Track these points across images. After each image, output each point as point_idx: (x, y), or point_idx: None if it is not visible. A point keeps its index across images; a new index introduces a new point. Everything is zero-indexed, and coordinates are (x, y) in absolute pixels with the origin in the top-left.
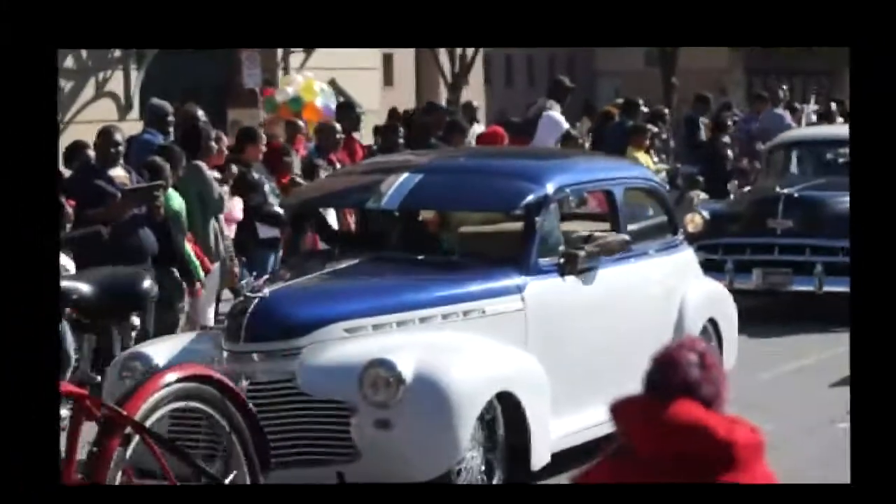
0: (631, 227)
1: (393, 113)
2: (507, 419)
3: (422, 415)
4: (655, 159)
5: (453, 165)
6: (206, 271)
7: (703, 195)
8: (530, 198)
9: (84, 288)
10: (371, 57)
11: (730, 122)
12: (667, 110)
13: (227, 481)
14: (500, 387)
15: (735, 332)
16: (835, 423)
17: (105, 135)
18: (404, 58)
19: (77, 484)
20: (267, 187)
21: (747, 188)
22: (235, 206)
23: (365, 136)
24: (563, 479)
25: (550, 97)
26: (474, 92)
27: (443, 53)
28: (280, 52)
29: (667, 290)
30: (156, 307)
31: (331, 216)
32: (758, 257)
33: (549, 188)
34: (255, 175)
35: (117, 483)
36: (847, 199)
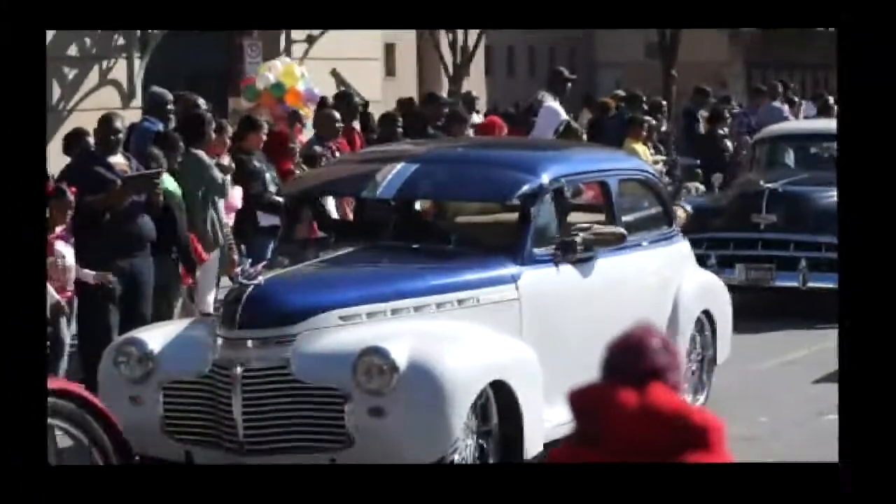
0: (626, 218)
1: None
2: (500, 408)
3: (415, 403)
4: (652, 151)
5: (450, 155)
6: (201, 260)
7: (701, 187)
8: (526, 188)
9: None
10: (373, 47)
11: (728, 115)
12: (664, 102)
13: None
14: (493, 375)
15: (729, 324)
16: (823, 416)
17: (105, 122)
18: (406, 48)
19: None
20: (267, 176)
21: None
22: (235, 195)
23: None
24: None
25: (550, 89)
26: (476, 83)
27: (444, 44)
28: (283, 41)
29: (662, 281)
30: (153, 293)
31: (329, 204)
32: (741, 252)
33: (545, 178)
34: (256, 163)
35: None
36: (832, 193)
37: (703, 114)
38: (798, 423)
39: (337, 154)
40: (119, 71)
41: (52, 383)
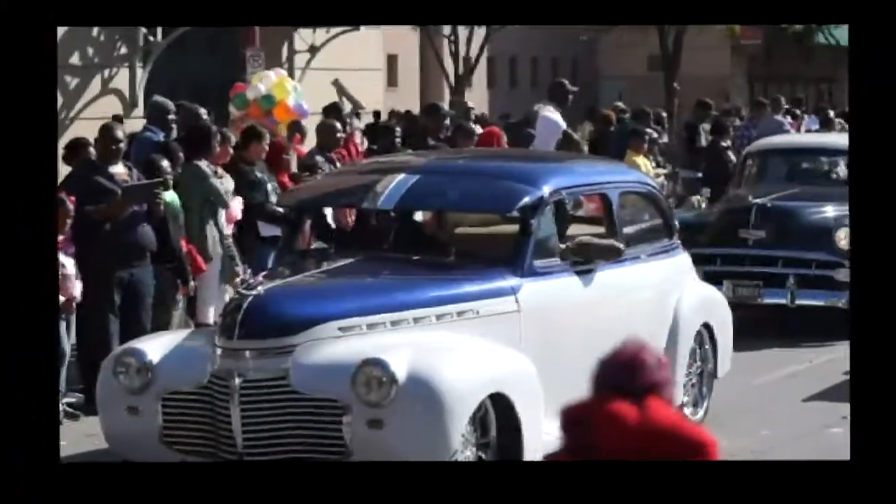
0: (627, 230)
1: (406, 114)
2: (499, 420)
3: (414, 415)
4: (653, 163)
5: (450, 167)
6: (199, 271)
7: (703, 200)
8: (526, 200)
9: None
10: (375, 58)
11: (730, 128)
12: (665, 114)
13: None
14: (492, 388)
15: (730, 337)
16: (827, 429)
17: (106, 131)
18: (408, 59)
19: None
20: (269, 186)
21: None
22: (236, 205)
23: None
24: None
25: (551, 100)
26: (478, 94)
27: (447, 55)
28: (285, 51)
29: (662, 294)
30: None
31: (329, 215)
32: (728, 269)
33: (546, 190)
34: (258, 174)
35: None
36: (822, 209)
37: (705, 127)
38: (801, 436)
39: (338, 164)
40: (121, 80)
41: None
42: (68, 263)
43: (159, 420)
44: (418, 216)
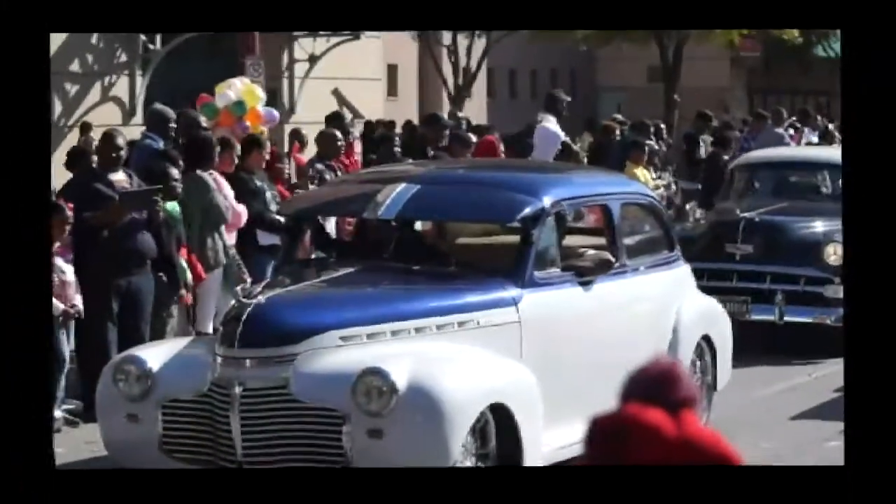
0: (628, 241)
1: (405, 125)
2: (499, 430)
3: (414, 425)
4: (654, 175)
5: (451, 176)
6: (199, 280)
7: (695, 209)
8: (527, 210)
9: None
10: (375, 67)
11: (732, 140)
12: (663, 126)
13: None
14: (493, 398)
15: (729, 350)
16: (827, 442)
17: (107, 138)
18: (408, 69)
19: None
20: (268, 195)
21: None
22: (242, 213)
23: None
24: None
25: (547, 110)
26: (477, 105)
27: (446, 65)
28: (285, 59)
29: (662, 306)
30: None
31: (330, 224)
32: (715, 284)
33: (547, 201)
34: (258, 182)
35: None
36: (811, 223)
37: (704, 138)
38: (801, 449)
39: (339, 173)
40: (121, 87)
41: None
42: (68, 270)
43: (159, 428)
44: (419, 226)
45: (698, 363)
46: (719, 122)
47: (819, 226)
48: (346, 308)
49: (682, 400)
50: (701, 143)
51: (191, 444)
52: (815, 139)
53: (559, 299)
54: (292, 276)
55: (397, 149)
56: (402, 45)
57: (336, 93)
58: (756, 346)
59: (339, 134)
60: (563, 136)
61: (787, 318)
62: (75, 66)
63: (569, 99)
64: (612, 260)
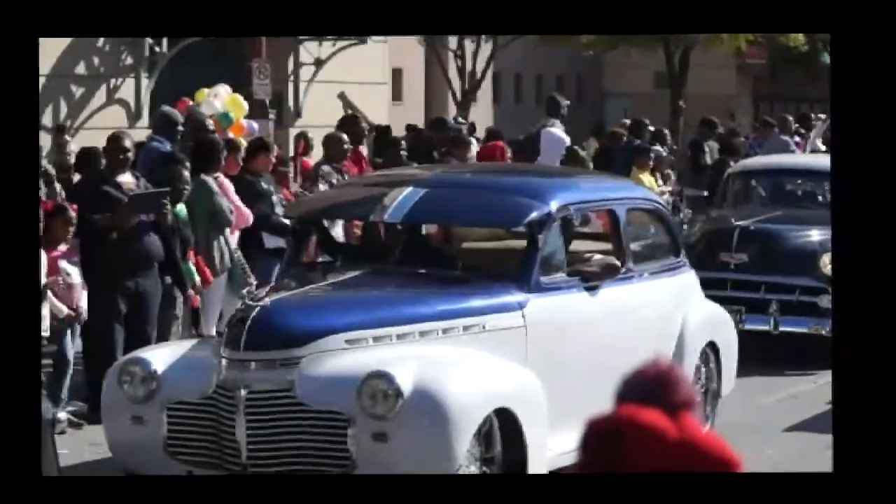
0: (634, 247)
1: (410, 128)
2: (504, 435)
3: (419, 428)
4: (661, 181)
5: (458, 180)
6: (207, 283)
7: (688, 215)
8: (534, 215)
9: None
10: (380, 71)
11: (738, 147)
12: (667, 131)
13: None
14: (498, 403)
15: (735, 356)
16: (830, 450)
17: (114, 141)
18: (414, 73)
19: None
20: (274, 198)
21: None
22: (250, 216)
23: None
24: None
25: (550, 115)
26: (483, 109)
27: (452, 70)
28: (291, 63)
29: (668, 312)
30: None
31: (337, 228)
32: (709, 293)
33: (553, 206)
34: (264, 185)
35: None
36: (806, 232)
37: (710, 145)
38: (805, 456)
39: (345, 176)
40: (126, 90)
41: None
42: (74, 272)
43: (164, 430)
44: (425, 230)
45: (703, 369)
46: (725, 129)
47: (815, 235)
48: (351, 311)
49: (681, 402)
50: (706, 150)
51: (195, 446)
52: (821, 146)
53: (565, 304)
54: (298, 280)
55: (404, 152)
56: (408, 50)
57: (342, 96)
58: (750, 355)
59: (345, 137)
60: (568, 141)
61: (781, 328)
62: (81, 69)
63: (567, 102)
64: (619, 265)
